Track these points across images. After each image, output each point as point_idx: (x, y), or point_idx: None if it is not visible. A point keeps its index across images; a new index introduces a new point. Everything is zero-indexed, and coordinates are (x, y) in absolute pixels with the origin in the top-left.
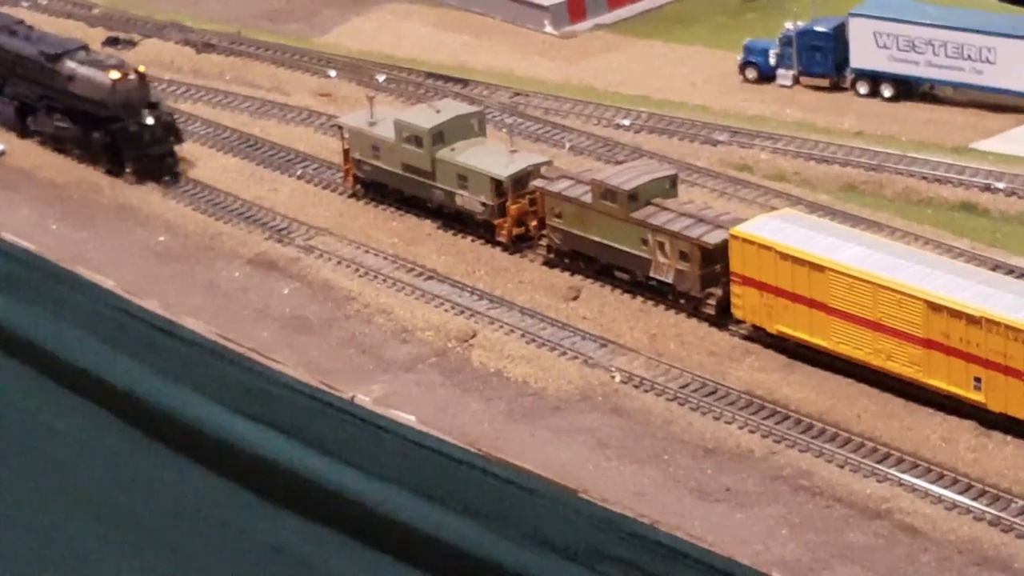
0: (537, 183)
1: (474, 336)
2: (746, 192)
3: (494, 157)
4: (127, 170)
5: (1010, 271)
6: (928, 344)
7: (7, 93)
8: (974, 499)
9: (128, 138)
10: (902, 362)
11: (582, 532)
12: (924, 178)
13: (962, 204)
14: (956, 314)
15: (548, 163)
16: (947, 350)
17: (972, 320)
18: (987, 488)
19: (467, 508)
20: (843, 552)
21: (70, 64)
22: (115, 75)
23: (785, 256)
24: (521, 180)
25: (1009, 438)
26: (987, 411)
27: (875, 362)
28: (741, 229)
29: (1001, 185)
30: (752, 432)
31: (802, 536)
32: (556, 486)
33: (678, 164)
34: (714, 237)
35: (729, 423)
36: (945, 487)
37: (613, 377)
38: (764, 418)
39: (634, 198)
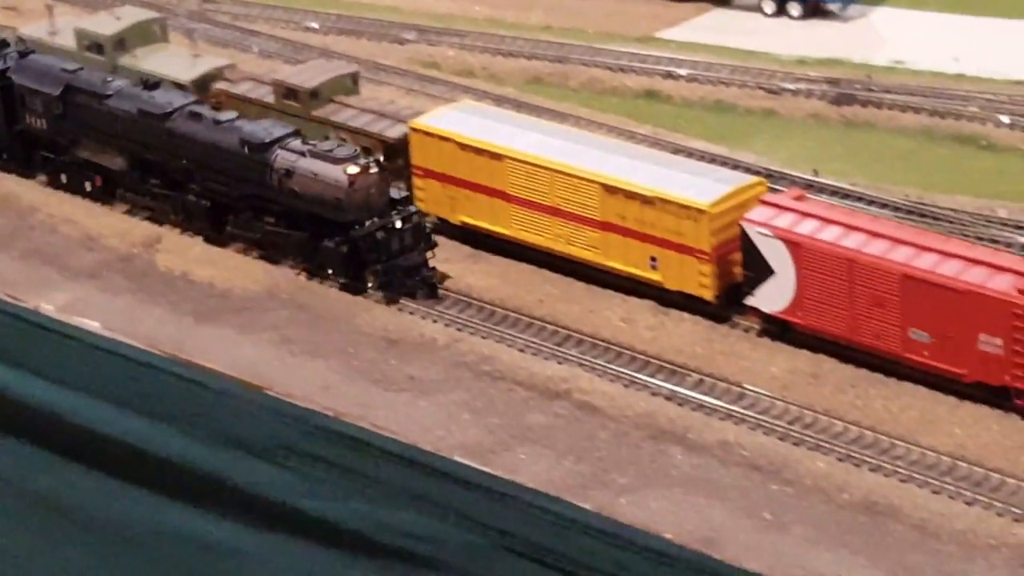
0: (219, 85)
1: (159, 241)
2: (434, 88)
3: (176, 62)
4: (370, 285)
5: (690, 154)
6: (605, 227)
7: (194, 190)
8: (651, 376)
9: (374, 247)
10: (581, 246)
11: (270, 429)
12: (608, 68)
13: (646, 92)
14: (631, 195)
15: (231, 66)
16: (623, 231)
17: (646, 201)
18: (664, 364)
19: (155, 411)
20: (524, 433)
21: (285, 155)
22: (353, 170)
23: (464, 146)
24: (204, 83)
25: (685, 315)
26: (664, 290)
27: (555, 247)
28: (420, 122)
29: (683, 72)
30: (435, 322)
31: (484, 420)
32: (242, 384)
33: (366, 64)
34: (395, 131)
35: (412, 314)
36: (623, 365)
37: (298, 275)
38: (447, 307)
39: (315, 96)
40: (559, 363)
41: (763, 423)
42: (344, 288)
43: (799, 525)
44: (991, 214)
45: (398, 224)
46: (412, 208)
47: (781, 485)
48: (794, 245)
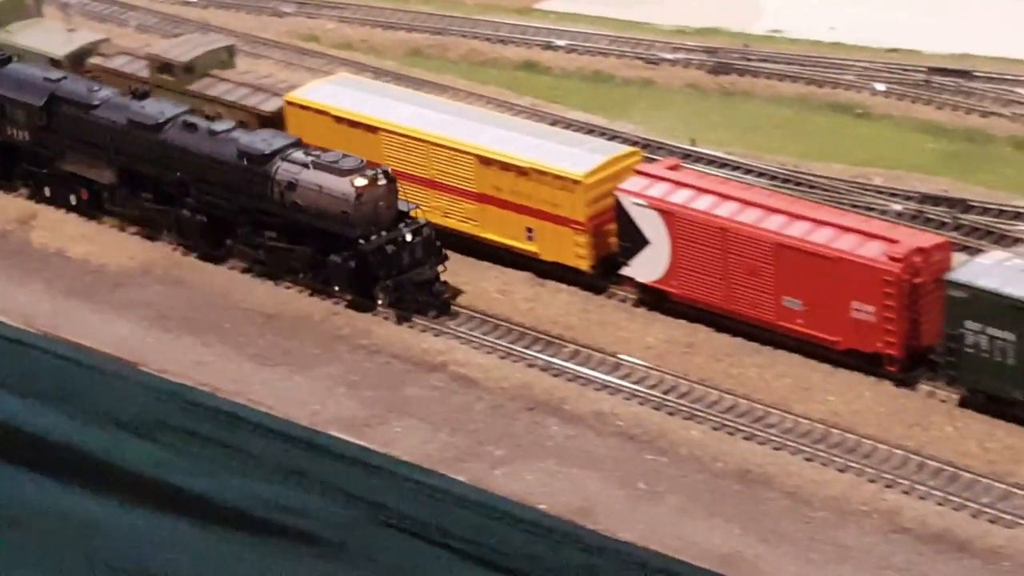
0: (94, 60)
1: (34, 217)
2: (312, 62)
3: (51, 36)
4: (379, 302)
5: (568, 125)
6: (481, 198)
7: (189, 205)
8: (527, 347)
9: (384, 261)
10: (458, 218)
11: (144, 405)
12: (488, 40)
13: (525, 63)
14: (506, 167)
15: (106, 40)
16: (500, 203)
17: (521, 172)
18: (540, 336)
19: (29, 389)
20: (400, 406)
21: (287, 167)
22: (361, 182)
23: (340, 119)
24: (79, 58)
25: (562, 286)
26: (540, 261)
27: (433, 219)
28: (296, 95)
29: (562, 43)
30: (311, 296)
31: (360, 393)
32: (117, 361)
33: (244, 37)
34: (270, 105)
35: (288, 288)
36: (499, 337)
37: (174, 250)
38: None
39: (190, 70)
40: (435, 336)
41: (638, 393)
42: (350, 306)
43: (673, 494)
44: (866, 182)
45: (408, 237)
46: (422, 220)
47: (656, 455)
48: (668, 215)
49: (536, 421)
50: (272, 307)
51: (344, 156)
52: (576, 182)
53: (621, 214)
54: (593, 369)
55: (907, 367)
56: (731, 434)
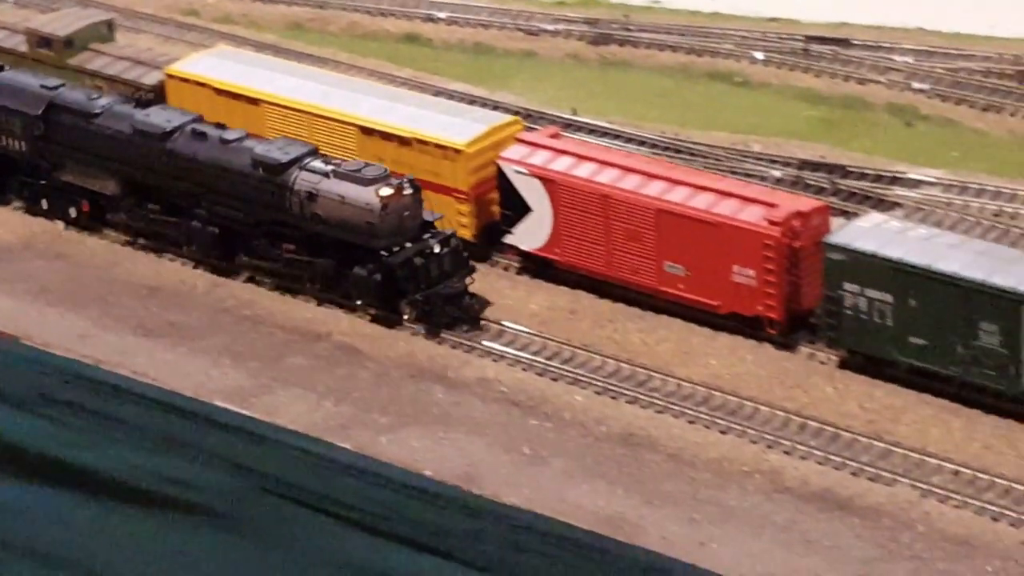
0: None
1: None
2: (192, 36)
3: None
4: (404, 316)
5: (450, 96)
6: None
7: (200, 216)
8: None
9: (412, 275)
10: None
11: (27, 378)
12: (368, 13)
13: (406, 36)
14: (388, 137)
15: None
16: None
17: (403, 142)
18: None
19: None
20: (285, 376)
21: (306, 177)
22: (387, 191)
23: (221, 91)
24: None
25: None
26: None
27: None
28: (176, 67)
29: (443, 15)
30: (195, 268)
31: (245, 364)
32: None
33: (124, 12)
34: (151, 78)
35: (172, 261)
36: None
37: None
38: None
39: (70, 44)
40: (319, 306)
41: (522, 359)
42: (374, 320)
43: (558, 458)
44: (746, 149)
45: (436, 249)
46: (449, 231)
47: (540, 420)
48: (549, 182)
49: (421, 389)
50: (155, 280)
51: (367, 165)
52: (458, 151)
53: (503, 183)
54: (477, 336)
55: (787, 330)
56: (614, 398)
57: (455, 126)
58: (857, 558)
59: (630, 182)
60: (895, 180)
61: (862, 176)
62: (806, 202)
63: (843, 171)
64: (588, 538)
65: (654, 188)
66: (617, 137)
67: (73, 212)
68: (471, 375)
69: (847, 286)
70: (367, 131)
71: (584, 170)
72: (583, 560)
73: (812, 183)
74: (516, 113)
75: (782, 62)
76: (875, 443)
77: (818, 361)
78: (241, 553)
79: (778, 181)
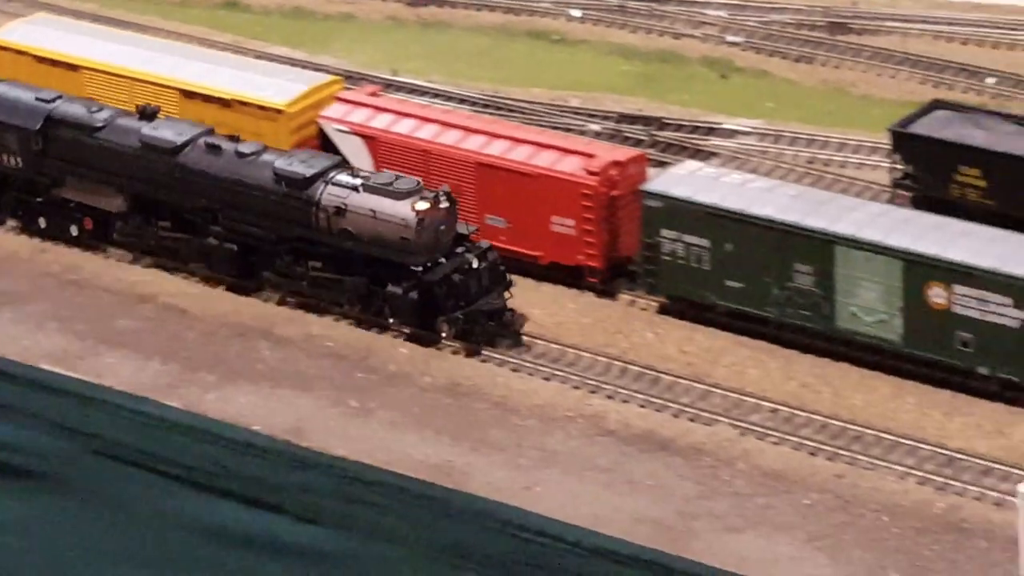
0: None
1: None
2: (11, 7)
3: None
4: (443, 335)
5: (270, 60)
6: None
7: (217, 233)
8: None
9: (451, 292)
10: None
11: None
12: None
13: (226, 2)
14: (209, 99)
15: None
16: None
17: (224, 104)
18: None
19: None
20: (111, 338)
21: (334, 191)
22: (423, 205)
23: (41, 59)
24: None
25: None
26: None
27: None
28: None
29: None
30: (18, 235)
31: (71, 327)
32: None
33: None
34: None
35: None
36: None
37: None
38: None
39: None
40: (145, 268)
41: (347, 316)
42: (410, 339)
43: (385, 410)
44: (564, 104)
45: (474, 263)
46: (484, 244)
47: (366, 373)
48: (370, 139)
49: (247, 346)
50: None
51: (398, 177)
52: (279, 111)
53: (325, 141)
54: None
55: (608, 278)
56: (439, 350)
57: (275, 87)
58: (679, 496)
59: (450, 137)
60: (711, 131)
61: (679, 128)
62: (623, 152)
63: (660, 123)
64: (417, 486)
65: (473, 142)
66: (437, 96)
67: (75, 230)
68: (297, 331)
69: (665, 233)
70: (188, 94)
71: (404, 126)
72: (412, 508)
73: (630, 136)
74: (337, 75)
75: (599, 19)
76: (695, 385)
77: (638, 308)
78: (72, 515)
79: (597, 135)
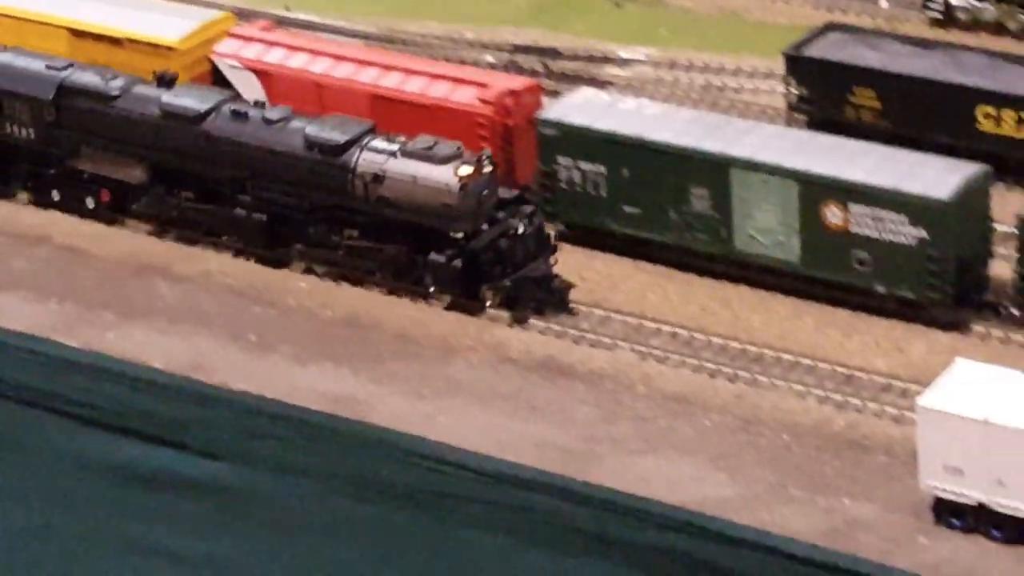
0: None
1: None
2: None
3: None
4: (487, 304)
5: None
6: None
7: (245, 203)
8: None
9: (497, 259)
10: None
11: None
12: None
13: None
14: (99, 38)
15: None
16: None
17: (115, 42)
18: None
19: None
20: (7, 280)
21: (370, 157)
22: (466, 171)
23: None
24: None
25: None
26: None
27: None
28: None
29: None
30: None
31: None
32: None
33: None
34: None
35: None
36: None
37: None
38: None
39: None
40: (39, 210)
41: (241, 252)
42: (449, 307)
43: (285, 344)
44: (459, 37)
45: (520, 229)
46: (528, 208)
47: (265, 307)
48: (263, 74)
49: (146, 284)
50: None
51: (437, 142)
52: (171, 48)
53: (219, 78)
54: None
55: None
56: (338, 284)
57: (167, 24)
58: (582, 421)
59: (343, 70)
60: (606, 60)
61: (574, 58)
62: (518, 81)
63: (555, 54)
64: (319, 418)
65: (367, 75)
66: (330, 31)
67: (91, 203)
68: (194, 269)
69: (561, 160)
70: (78, 34)
71: (297, 60)
72: (315, 440)
73: (526, 67)
74: (229, 12)
75: None
76: (594, 311)
77: None
78: None
79: (492, 66)
